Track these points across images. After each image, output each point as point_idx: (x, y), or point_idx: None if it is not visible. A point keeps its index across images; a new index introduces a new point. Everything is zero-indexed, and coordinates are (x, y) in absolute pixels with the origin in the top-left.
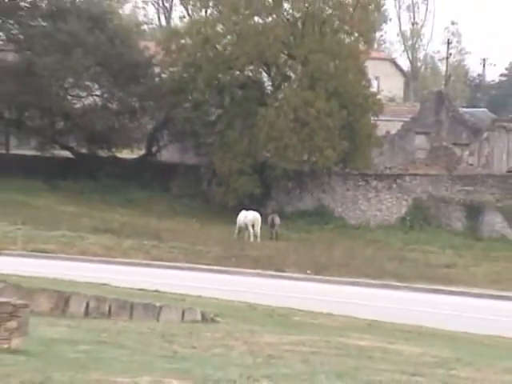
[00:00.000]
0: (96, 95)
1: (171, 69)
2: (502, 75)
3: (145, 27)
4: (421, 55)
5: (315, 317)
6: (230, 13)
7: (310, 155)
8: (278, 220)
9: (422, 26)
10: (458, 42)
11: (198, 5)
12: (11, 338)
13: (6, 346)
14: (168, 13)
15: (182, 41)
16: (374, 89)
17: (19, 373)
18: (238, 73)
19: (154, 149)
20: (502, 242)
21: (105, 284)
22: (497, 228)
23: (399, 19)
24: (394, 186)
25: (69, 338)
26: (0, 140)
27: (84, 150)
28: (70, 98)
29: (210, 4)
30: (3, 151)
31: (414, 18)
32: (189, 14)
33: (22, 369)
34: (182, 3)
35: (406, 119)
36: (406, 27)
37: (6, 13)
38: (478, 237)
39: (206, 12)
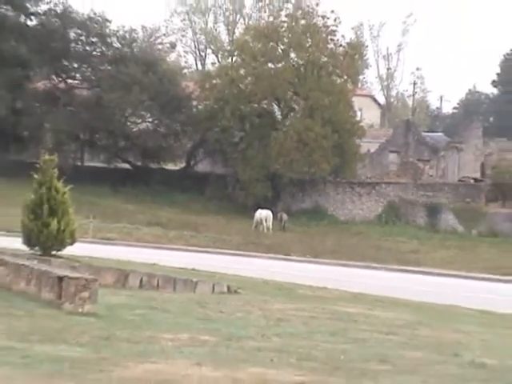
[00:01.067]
0: (149, 122)
1: (205, 102)
2: (454, 108)
3: (185, 71)
4: (393, 93)
5: (313, 290)
6: (250, 60)
7: (309, 168)
8: (285, 216)
9: (394, 71)
10: (421, 83)
11: (226, 54)
12: (84, 304)
13: (80, 310)
14: (203, 60)
15: (214, 81)
16: (358, 118)
17: (90, 330)
18: (255, 105)
19: (192, 162)
20: (454, 234)
21: (155, 264)
22: (450, 223)
23: (377, 65)
24: (373, 191)
25: (127, 304)
26: (77, 155)
27: (139, 163)
28: (129, 123)
29: (235, 53)
30: (79, 163)
31: (388, 65)
32: (219, 61)
33: (92, 327)
34: (213, 53)
35: (382, 141)
36: (383, 71)
37: (82, 59)
38: (436, 230)
39: (231, 59)
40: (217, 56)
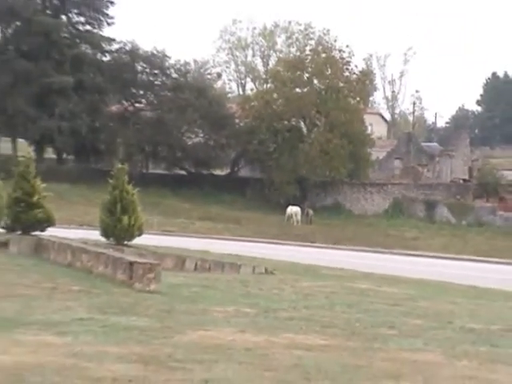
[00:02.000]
0: (200, 136)
1: (245, 120)
2: (446, 123)
3: (229, 95)
4: (397, 111)
5: (333, 270)
6: (281, 86)
7: (330, 172)
8: (311, 212)
9: (398, 93)
10: (420, 102)
11: (262, 81)
12: (150, 283)
13: (147, 288)
14: (243, 86)
15: (252, 103)
16: (368, 131)
17: (155, 305)
18: (286, 122)
19: (235, 169)
20: (448, 224)
21: (206, 251)
22: (444, 216)
23: (384, 89)
24: (381, 190)
25: (185, 283)
26: (143, 164)
27: (193, 170)
28: (184, 138)
29: (269, 81)
30: (145, 171)
31: (393, 88)
32: (256, 87)
33: (157, 302)
34: (252, 80)
35: (388, 150)
36: (388, 93)
37: (147, 87)
38: (433, 221)
39: (266, 85)
40: (254, 83)
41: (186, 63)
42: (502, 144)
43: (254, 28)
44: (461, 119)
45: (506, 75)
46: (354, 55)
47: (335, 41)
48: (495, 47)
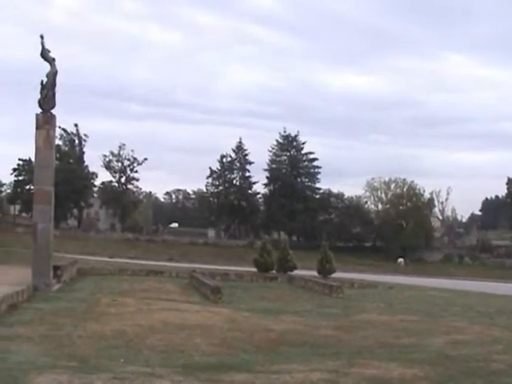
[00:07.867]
0: (359, 229)
1: (379, 221)
2: (466, 220)
3: (372, 210)
4: (445, 215)
5: (418, 286)
6: (393, 206)
7: (416, 243)
8: (408, 260)
9: (445, 207)
10: (455, 212)
11: (385, 203)
12: (339, 294)
13: (338, 296)
14: (377, 206)
15: (380, 214)
16: (432, 224)
17: (341, 303)
18: (395, 222)
19: (374, 242)
20: (468, 265)
21: (363, 279)
22: (467, 261)
23: (438, 205)
24: (439, 250)
25: (353, 293)
26: (335, 241)
27: (356, 244)
28: (351, 231)
29: (388, 203)
30: (336, 244)
31: (442, 205)
32: (382, 206)
33: (341, 302)
34: (380, 203)
35: (441, 233)
36: (441, 208)
37: (335, 208)
38: (462, 264)
39: (387, 206)
40: (381, 204)
41: (351, 197)
42: (493, 229)
43: (380, 180)
44: (473, 217)
45: (491, 198)
46: (425, 191)
47: (416, 185)
48: (490, 179)
